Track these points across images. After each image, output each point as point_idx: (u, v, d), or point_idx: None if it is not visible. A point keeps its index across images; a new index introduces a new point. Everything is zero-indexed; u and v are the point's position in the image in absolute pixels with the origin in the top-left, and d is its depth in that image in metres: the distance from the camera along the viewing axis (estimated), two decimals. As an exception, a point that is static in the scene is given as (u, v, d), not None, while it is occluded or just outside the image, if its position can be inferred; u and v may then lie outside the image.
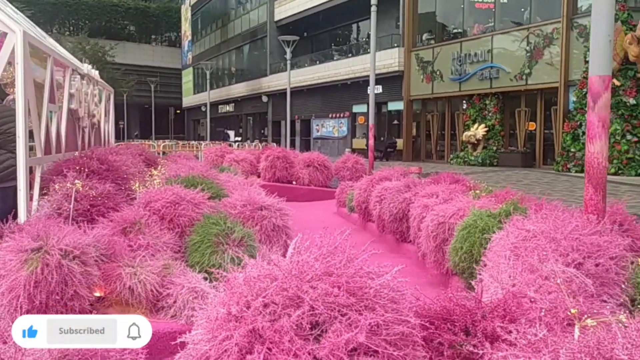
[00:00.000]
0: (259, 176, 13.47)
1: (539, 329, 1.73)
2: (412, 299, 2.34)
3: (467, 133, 24.98)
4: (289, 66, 24.95)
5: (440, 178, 8.82)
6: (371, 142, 14.04)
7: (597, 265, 2.95)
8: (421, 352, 1.96)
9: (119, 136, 60.78)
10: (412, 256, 6.72)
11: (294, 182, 13.33)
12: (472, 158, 24.30)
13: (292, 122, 40.20)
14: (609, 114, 3.77)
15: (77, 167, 5.43)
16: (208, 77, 39.32)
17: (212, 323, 1.76)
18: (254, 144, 34.62)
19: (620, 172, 17.73)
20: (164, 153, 23.88)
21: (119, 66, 51.26)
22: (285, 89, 38.69)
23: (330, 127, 36.14)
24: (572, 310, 2.03)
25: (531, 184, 16.19)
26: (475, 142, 24.71)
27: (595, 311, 2.45)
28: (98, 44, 48.81)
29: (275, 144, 29.52)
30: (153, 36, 75.44)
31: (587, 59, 19.10)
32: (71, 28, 62.65)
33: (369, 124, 14.21)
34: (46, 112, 5.76)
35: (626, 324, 1.96)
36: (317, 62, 37.04)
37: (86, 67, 7.99)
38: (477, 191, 6.93)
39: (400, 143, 29.60)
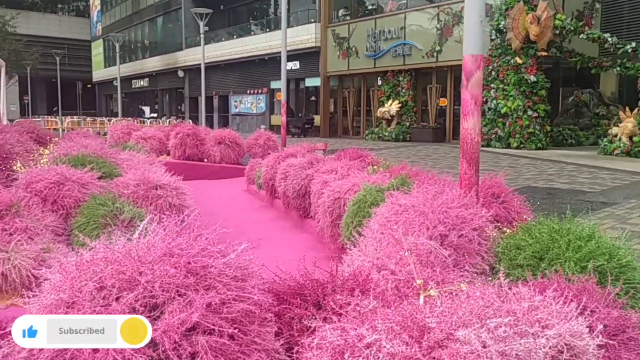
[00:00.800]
0: (169, 154, 13.14)
1: (370, 300, 1.79)
2: (270, 277, 2.37)
3: (381, 109, 25.44)
4: (202, 40, 24.31)
5: (345, 154, 8.97)
6: (283, 119, 14.01)
7: (460, 236, 3.10)
8: (272, 328, 1.99)
9: (24, 112, 57.38)
10: (314, 231, 6.81)
11: (205, 160, 13.12)
12: (387, 134, 24.82)
13: (210, 98, 39.45)
14: (481, 92, 3.94)
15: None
16: (118, 49, 37.66)
17: (42, 310, 1.70)
18: (169, 120, 33.70)
19: (522, 146, 18.71)
20: (70, 129, 22.81)
21: (21, 37, 48.02)
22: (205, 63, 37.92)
23: (249, 103, 35.73)
24: (418, 281, 2.12)
25: (439, 159, 16.79)
26: (389, 118, 25.23)
27: (450, 281, 2.59)
28: (-3, 14, 45.46)
29: (190, 121, 28.84)
30: (60, 5, 71.28)
31: (492, 38, 19.91)
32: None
33: (282, 101, 14.15)
34: None
35: (469, 292, 2.08)
36: (235, 36, 36.35)
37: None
38: (375, 167, 7.11)
39: (317, 119, 29.74)
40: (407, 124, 24.99)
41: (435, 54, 23.32)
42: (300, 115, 30.79)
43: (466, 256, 3.02)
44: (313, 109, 31.01)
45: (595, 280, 2.54)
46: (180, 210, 5.64)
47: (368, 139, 25.90)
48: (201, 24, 23.18)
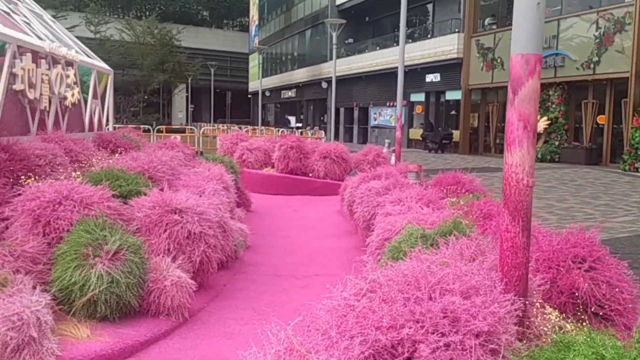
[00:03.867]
0: (273, 167, 12.66)
1: None
2: None
3: (526, 126, 23.03)
4: (334, 52, 23.81)
5: (442, 179, 7.73)
6: (398, 134, 12.86)
7: (434, 350, 1.88)
8: None
9: (188, 120, 61.87)
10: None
11: (310, 175, 12.42)
12: (531, 153, 22.37)
13: (351, 110, 39.18)
14: (535, 111, 2.63)
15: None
16: (260, 61, 38.95)
17: None
18: (312, 130, 33.94)
19: None
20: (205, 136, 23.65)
21: (184, 50, 51.84)
22: (346, 75, 37.72)
23: (388, 115, 34.78)
24: None
25: (584, 185, 14.45)
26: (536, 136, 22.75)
27: None
28: (166, 28, 49.42)
29: (323, 131, 28.62)
30: (225, 21, 76.28)
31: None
32: (147, 13, 64.07)
33: (397, 114, 13.04)
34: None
35: None
36: (378, 47, 35.66)
37: (48, 46, 7.39)
38: (455, 199, 5.80)
39: (456, 135, 27.90)
40: (557, 143, 22.33)
41: (592, 66, 20.52)
42: (439, 129, 29.14)
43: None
44: (453, 123, 29.19)
45: None
46: (201, 240, 4.87)
47: (510, 158, 23.58)
48: (334, 34, 22.70)
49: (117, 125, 21.73)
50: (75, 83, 8.43)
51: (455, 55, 27.34)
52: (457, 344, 1.88)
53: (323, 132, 28.49)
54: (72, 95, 8.29)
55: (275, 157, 12.27)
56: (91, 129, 9.44)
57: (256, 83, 60.38)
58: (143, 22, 49.78)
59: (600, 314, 3.16)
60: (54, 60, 7.67)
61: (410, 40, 32.47)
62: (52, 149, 5.78)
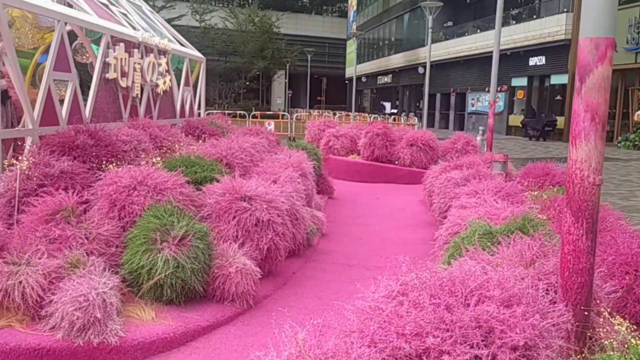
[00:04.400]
0: (359, 154, 12.56)
1: None
2: None
3: (639, 112, 21.28)
4: (429, 36, 23.11)
5: (531, 170, 7.33)
6: (490, 121, 12.27)
7: None
8: None
9: (287, 105, 62.99)
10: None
11: (396, 162, 12.20)
12: (644, 142, 20.71)
13: (447, 96, 38.10)
14: (606, 102, 2.35)
15: (60, 142, 5.11)
16: (355, 47, 38.69)
17: None
18: (405, 117, 33.40)
19: None
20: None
21: (284, 37, 52.68)
22: (444, 59, 36.69)
23: (486, 101, 33.39)
24: None
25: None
26: (650, 123, 20.99)
27: None
28: (266, 16, 50.43)
29: (416, 118, 28.03)
30: (324, 7, 76.65)
31: None
32: (250, 1, 65.72)
33: (490, 101, 12.45)
34: (47, 80, 5.54)
35: None
36: (478, 30, 34.29)
37: (141, 35, 7.73)
38: (538, 193, 5.44)
39: (561, 121, 26.31)
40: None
41: None
42: (542, 115, 27.60)
43: None
44: (558, 109, 27.53)
45: None
46: (269, 228, 4.91)
47: (620, 146, 21.96)
48: (430, 18, 22.00)
49: (214, 111, 22.54)
50: (167, 71, 8.79)
51: (562, 37, 25.69)
52: (487, 357, 1.72)
53: (416, 118, 27.86)
54: (164, 82, 8.65)
55: (361, 144, 12.17)
56: (182, 115, 9.82)
57: (352, 69, 60.41)
58: (245, 10, 51.11)
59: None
60: (146, 50, 8.03)
61: (514, 22, 30.95)
62: (137, 135, 6.05)
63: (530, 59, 28.72)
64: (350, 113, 37.56)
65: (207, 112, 12.66)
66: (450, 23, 38.18)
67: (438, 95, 39.40)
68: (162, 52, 8.69)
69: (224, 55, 49.62)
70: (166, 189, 4.69)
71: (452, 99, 37.53)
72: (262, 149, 8.52)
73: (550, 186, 6.50)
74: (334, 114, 32.74)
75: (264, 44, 48.49)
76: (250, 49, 48.04)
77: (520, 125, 28.57)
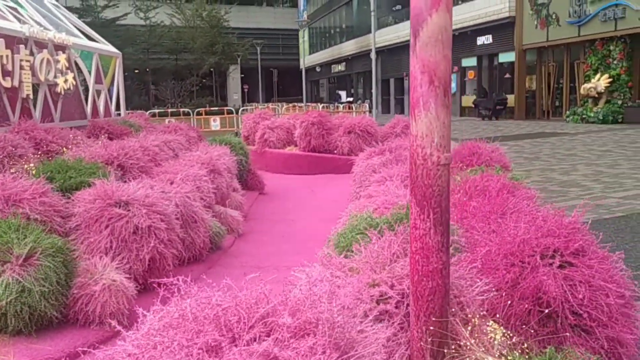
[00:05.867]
0: (296, 145, 12.03)
1: None
2: None
3: (586, 85, 21.29)
4: (373, 20, 22.70)
5: (460, 150, 6.93)
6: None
7: None
8: None
9: (244, 100, 61.97)
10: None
11: (335, 152, 11.70)
12: (592, 115, 20.69)
13: (401, 80, 37.86)
14: (444, 58, 1.86)
15: None
16: (305, 37, 38.07)
17: None
18: (357, 104, 33.06)
19: None
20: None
21: (242, 30, 51.69)
22: (394, 44, 36.40)
23: (439, 83, 33.31)
24: None
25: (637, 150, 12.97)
26: (596, 95, 21.00)
27: None
28: (214, 9, 49.27)
29: (367, 105, 27.66)
30: (276, -3, 75.68)
31: None
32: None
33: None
34: None
35: None
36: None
37: (28, 30, 7.00)
38: (458, 175, 5.00)
39: (511, 99, 26.26)
40: (620, 102, 20.51)
41: (657, 14, 18.56)
42: (494, 94, 27.54)
43: None
44: (508, 87, 27.50)
45: None
46: (151, 235, 4.34)
47: (569, 121, 21.96)
48: (372, 1, 21.57)
49: (156, 110, 21.67)
50: (68, 68, 8.07)
51: (507, 14, 25.60)
52: None
53: (367, 105, 27.49)
54: (65, 81, 7.93)
55: (296, 134, 11.64)
56: (95, 116, 9.10)
57: (305, 59, 59.77)
58: (192, 5, 49.85)
59: (577, 324, 2.38)
60: (38, 45, 7.31)
61: (460, 2, 30.77)
62: (11, 140, 5.39)
63: (478, 38, 28.61)
64: (302, 104, 37.09)
65: (128, 112, 11.91)
66: (399, 7, 37.88)
67: (392, 80, 39.17)
68: (60, 47, 7.97)
69: (174, 53, 48.34)
70: (22, 199, 4.08)
71: (406, 83, 37.27)
72: (178, 146, 7.94)
73: (476, 166, 6.10)
74: (292, 106, 32.16)
75: (214, 38, 47.43)
76: (199, 45, 46.91)
77: (473, 106, 28.47)
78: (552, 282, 2.41)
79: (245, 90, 64.59)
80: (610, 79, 20.61)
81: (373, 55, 22.31)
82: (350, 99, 42.98)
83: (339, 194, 9.38)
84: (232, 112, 24.31)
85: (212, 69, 51.38)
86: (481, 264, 2.58)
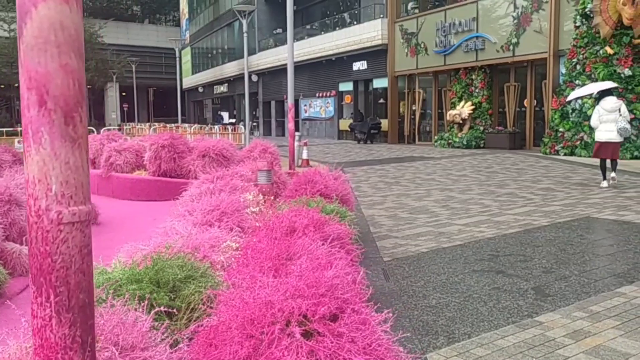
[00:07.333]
0: (146, 169, 11.13)
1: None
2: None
3: (451, 112, 22.18)
4: (245, 42, 22.22)
5: (301, 178, 6.54)
6: (290, 125, 11.53)
7: None
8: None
9: (123, 119, 59.02)
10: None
11: (189, 176, 10.94)
12: (457, 140, 21.56)
13: (282, 103, 37.78)
14: (61, 68, 1.28)
15: None
16: (178, 54, 36.87)
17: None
18: (243, 126, 32.35)
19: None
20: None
21: (120, 47, 49.27)
22: (275, 66, 36.23)
23: (318, 107, 33.56)
24: None
25: (497, 172, 13.49)
26: (461, 121, 21.91)
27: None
28: (88, 24, 46.60)
29: (242, 126, 27.11)
30: (158, 15, 73.50)
31: (577, 25, 16.21)
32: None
33: (289, 104, 11.73)
34: None
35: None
36: (306, 36, 34.34)
37: None
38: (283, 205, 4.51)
39: (385, 124, 26.89)
40: (481, 128, 21.56)
41: (511, 47, 19.75)
42: (368, 119, 28.06)
43: None
44: (382, 112, 28.17)
45: None
46: None
47: (437, 145, 22.74)
48: (244, 22, 21.13)
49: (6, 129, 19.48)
50: None
51: (380, 42, 26.28)
52: None
53: (242, 127, 26.92)
54: None
55: (146, 158, 10.76)
56: None
57: (189, 79, 58.33)
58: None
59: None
60: None
61: (337, 28, 31.31)
62: None
63: (354, 63, 29.16)
64: (179, 125, 35.83)
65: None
66: (279, 30, 37.93)
67: (273, 103, 39.01)
68: None
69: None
70: None
71: (286, 106, 37.24)
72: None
73: (305, 195, 5.68)
74: (170, 126, 30.75)
75: (86, 54, 44.75)
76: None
77: (349, 130, 28.85)
78: (294, 359, 1.90)
79: (125, 109, 61.77)
80: (473, 107, 21.62)
81: (246, 78, 21.80)
82: (233, 120, 42.22)
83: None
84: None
85: (89, 87, 48.45)
86: (213, 335, 2.03)
